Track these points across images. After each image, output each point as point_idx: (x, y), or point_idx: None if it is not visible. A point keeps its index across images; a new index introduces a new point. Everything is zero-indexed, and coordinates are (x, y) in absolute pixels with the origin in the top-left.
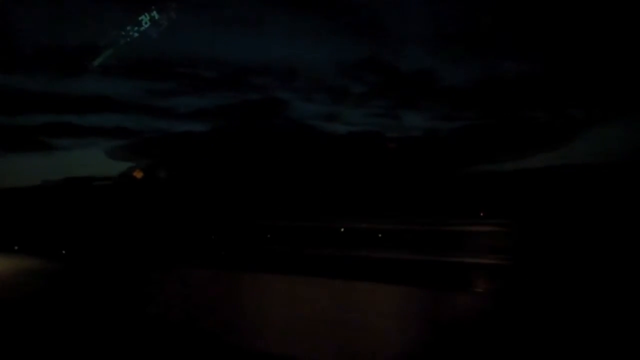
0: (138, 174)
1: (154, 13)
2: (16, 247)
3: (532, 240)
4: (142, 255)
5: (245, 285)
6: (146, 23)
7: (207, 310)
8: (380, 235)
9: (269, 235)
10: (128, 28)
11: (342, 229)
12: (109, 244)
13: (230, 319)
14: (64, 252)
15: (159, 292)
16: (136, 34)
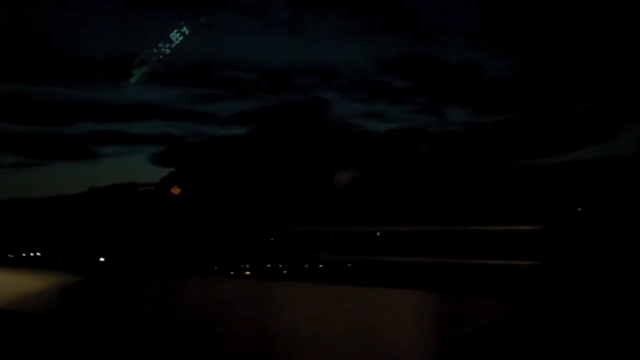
0: (175, 191)
1: (184, 29)
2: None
3: (570, 241)
4: (174, 263)
5: (272, 294)
6: (177, 40)
7: (230, 320)
8: (410, 238)
9: (303, 242)
10: (160, 45)
11: (378, 234)
12: (143, 251)
13: (253, 331)
14: (102, 259)
15: (185, 302)
16: (168, 51)
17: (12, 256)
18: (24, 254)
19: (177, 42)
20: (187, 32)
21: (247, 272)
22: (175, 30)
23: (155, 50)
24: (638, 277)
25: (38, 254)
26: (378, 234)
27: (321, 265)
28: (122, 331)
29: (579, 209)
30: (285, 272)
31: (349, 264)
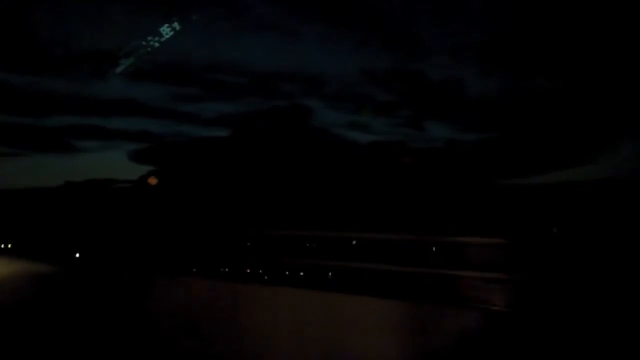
0: (152, 181)
1: (175, 24)
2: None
3: (540, 255)
4: (150, 261)
5: (249, 298)
6: (167, 34)
7: (207, 320)
8: (385, 247)
9: (278, 246)
10: (149, 38)
11: (354, 242)
12: (121, 247)
13: (233, 332)
14: (77, 255)
15: (163, 301)
16: (157, 44)
17: None
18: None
19: (167, 36)
20: (177, 27)
21: (223, 273)
22: (166, 25)
23: (143, 43)
24: (606, 291)
25: (9, 245)
26: (354, 242)
27: (298, 270)
28: (91, 324)
29: (554, 230)
30: (261, 275)
31: (326, 270)
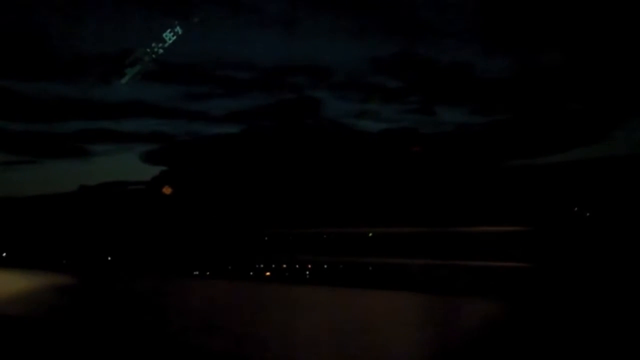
0: (167, 191)
1: (177, 28)
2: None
3: (558, 242)
4: (168, 263)
5: (271, 297)
6: (170, 39)
7: (223, 321)
8: (399, 240)
9: (295, 244)
10: (153, 45)
11: (370, 234)
12: (138, 251)
13: (248, 330)
14: (93, 258)
15: (183, 303)
16: (161, 51)
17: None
18: (13, 253)
19: (170, 41)
20: (180, 31)
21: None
22: (169, 30)
23: (147, 50)
24: (630, 277)
25: (27, 252)
26: (370, 234)
27: (316, 267)
28: (112, 330)
29: (575, 209)
30: (279, 273)
31: (341, 266)
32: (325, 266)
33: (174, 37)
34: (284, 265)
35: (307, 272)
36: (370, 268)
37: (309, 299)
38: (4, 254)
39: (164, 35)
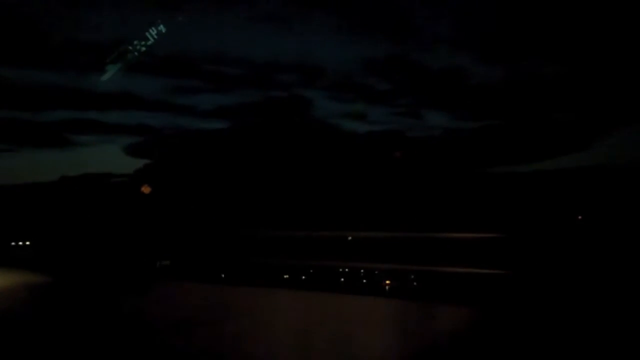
0: (146, 190)
1: (161, 27)
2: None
3: (536, 249)
4: (145, 264)
5: (246, 299)
6: (154, 37)
7: (204, 324)
8: (383, 244)
9: (271, 246)
10: (135, 42)
11: (349, 238)
12: (115, 249)
13: (229, 334)
14: (72, 257)
15: (158, 306)
16: (144, 49)
17: None
18: None
19: (153, 40)
20: (163, 29)
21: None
22: (152, 28)
23: (130, 47)
24: (610, 284)
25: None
26: (349, 238)
27: (293, 271)
28: (86, 330)
29: (579, 217)
30: (256, 276)
31: (322, 270)
32: (304, 270)
33: (157, 37)
34: (260, 269)
35: (286, 276)
36: (347, 272)
37: (282, 302)
38: None
39: (146, 34)
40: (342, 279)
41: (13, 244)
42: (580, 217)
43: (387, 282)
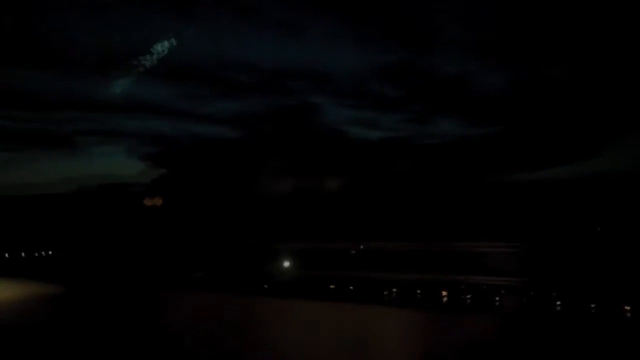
0: (157, 201)
1: (172, 40)
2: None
3: (547, 260)
4: (160, 274)
5: (263, 310)
6: (163, 51)
7: (221, 333)
8: (393, 255)
9: (287, 257)
10: (147, 56)
11: (361, 247)
12: (130, 259)
13: (245, 343)
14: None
15: (174, 315)
16: (155, 62)
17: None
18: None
19: (163, 54)
20: (174, 43)
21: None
22: (161, 43)
23: (141, 62)
24: (619, 290)
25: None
26: (362, 247)
27: (310, 281)
28: (98, 336)
29: (598, 229)
30: (273, 287)
31: (340, 280)
32: (316, 282)
33: (165, 52)
34: (275, 279)
35: (305, 286)
36: (364, 282)
37: (302, 312)
38: None
39: (154, 48)
40: (359, 289)
41: (36, 254)
42: (599, 229)
43: (394, 290)
